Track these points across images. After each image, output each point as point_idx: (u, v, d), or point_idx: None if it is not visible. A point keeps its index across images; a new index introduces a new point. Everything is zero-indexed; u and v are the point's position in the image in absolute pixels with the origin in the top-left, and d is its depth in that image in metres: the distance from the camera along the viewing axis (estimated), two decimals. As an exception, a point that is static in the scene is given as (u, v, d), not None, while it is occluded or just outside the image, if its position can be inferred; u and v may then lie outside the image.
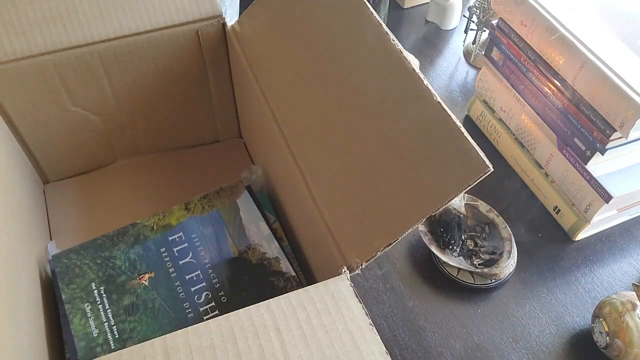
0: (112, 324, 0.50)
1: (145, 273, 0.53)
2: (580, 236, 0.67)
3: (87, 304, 0.51)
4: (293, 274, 0.53)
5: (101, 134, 0.65)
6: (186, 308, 0.51)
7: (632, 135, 0.55)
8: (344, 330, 0.37)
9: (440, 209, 0.39)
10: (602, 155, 0.59)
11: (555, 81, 0.62)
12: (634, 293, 0.54)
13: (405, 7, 0.98)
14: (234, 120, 0.72)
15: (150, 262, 0.54)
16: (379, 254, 0.40)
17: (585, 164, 0.61)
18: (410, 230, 0.39)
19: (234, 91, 0.68)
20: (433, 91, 0.40)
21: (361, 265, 0.41)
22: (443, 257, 0.61)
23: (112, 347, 0.49)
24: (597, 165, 0.61)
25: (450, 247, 0.63)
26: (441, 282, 0.62)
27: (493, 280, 0.61)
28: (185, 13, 0.58)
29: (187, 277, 0.53)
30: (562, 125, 0.63)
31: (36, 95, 0.58)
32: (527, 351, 0.57)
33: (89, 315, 0.51)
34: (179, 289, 0.53)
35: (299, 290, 0.39)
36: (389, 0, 0.85)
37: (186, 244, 0.55)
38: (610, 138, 0.57)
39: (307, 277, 0.57)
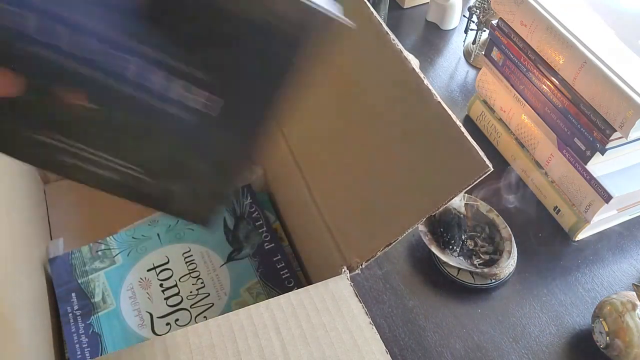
0: (120, 162, 0.33)
1: (64, 91, 0.29)
2: (580, 236, 0.67)
3: (65, 158, 0.32)
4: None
5: (101, 134, 0.65)
6: (172, 111, 0.30)
7: (632, 135, 0.55)
8: (343, 330, 0.37)
9: (440, 209, 0.39)
10: (602, 155, 0.59)
11: (556, 81, 0.62)
12: (634, 293, 0.54)
13: (405, 7, 0.98)
14: (234, 120, 0.72)
15: (42, 72, 0.28)
16: (379, 254, 0.41)
17: (585, 164, 0.61)
18: (410, 230, 0.39)
19: (234, 91, 0.68)
20: (433, 91, 0.40)
21: (361, 265, 0.41)
22: (443, 257, 0.61)
23: (149, 180, 0.34)
24: (597, 165, 0.61)
25: (450, 247, 0.63)
26: (441, 282, 0.62)
27: (493, 280, 0.61)
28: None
29: (125, 72, 0.28)
30: (562, 125, 0.63)
31: (36, 95, 0.58)
32: (527, 351, 0.57)
33: (83, 166, 0.33)
34: (137, 93, 0.29)
35: (299, 289, 0.39)
36: (389, 0, 0.85)
37: (54, 23, 0.27)
38: (610, 138, 0.57)
39: (307, 277, 0.57)
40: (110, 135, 0.33)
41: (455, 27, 0.94)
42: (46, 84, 0.30)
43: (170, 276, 0.57)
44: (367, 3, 0.46)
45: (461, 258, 0.62)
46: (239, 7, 0.29)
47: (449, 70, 0.87)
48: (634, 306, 0.53)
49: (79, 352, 0.51)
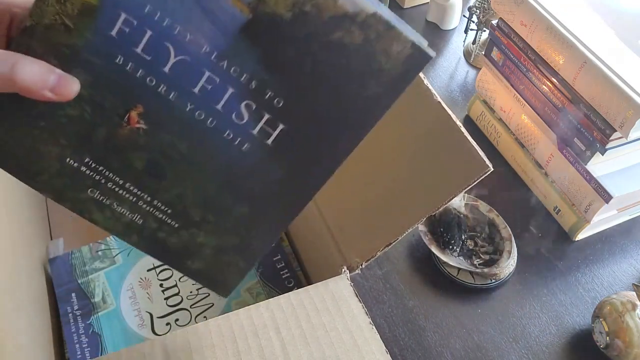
0: (149, 199, 0.33)
1: (128, 110, 0.30)
2: (580, 236, 0.67)
3: (89, 189, 0.33)
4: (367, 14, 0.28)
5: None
6: (230, 138, 0.31)
7: (632, 135, 0.55)
8: (343, 330, 0.37)
9: (440, 209, 0.39)
10: (602, 155, 0.59)
11: (555, 81, 0.62)
12: (634, 293, 0.54)
13: (405, 7, 0.98)
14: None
15: (114, 88, 0.30)
16: (379, 254, 0.41)
17: (585, 164, 0.61)
18: (410, 230, 0.39)
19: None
20: (433, 91, 0.40)
21: (361, 265, 0.41)
22: (443, 257, 0.61)
23: (176, 226, 0.34)
24: (597, 165, 0.61)
25: (450, 247, 0.63)
26: (441, 282, 0.62)
27: (493, 280, 0.61)
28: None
29: (195, 90, 0.30)
30: (562, 125, 0.63)
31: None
32: (527, 351, 0.57)
33: (105, 202, 0.33)
34: (198, 114, 0.30)
35: (299, 289, 0.39)
36: (389, 0, 0.85)
37: (148, 30, 0.28)
38: (610, 138, 0.57)
39: (307, 277, 0.57)
40: (148, 162, 0.31)
41: (455, 27, 0.94)
42: (112, 99, 0.29)
43: (170, 276, 0.57)
44: (367, 3, 0.46)
45: (461, 258, 0.62)
46: (354, 42, 0.27)
47: (449, 70, 0.87)
48: (634, 306, 0.53)
49: (79, 352, 0.51)
